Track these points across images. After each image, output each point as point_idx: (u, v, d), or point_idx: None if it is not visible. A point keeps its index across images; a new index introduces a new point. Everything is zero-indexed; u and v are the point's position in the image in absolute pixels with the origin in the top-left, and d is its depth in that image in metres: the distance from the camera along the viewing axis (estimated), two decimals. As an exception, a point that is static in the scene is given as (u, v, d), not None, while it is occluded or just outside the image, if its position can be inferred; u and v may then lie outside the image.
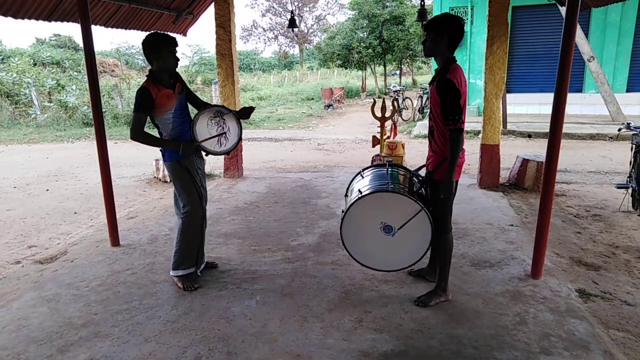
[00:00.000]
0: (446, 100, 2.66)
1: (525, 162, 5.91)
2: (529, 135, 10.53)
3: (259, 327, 2.83)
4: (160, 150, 3.24)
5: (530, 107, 13.33)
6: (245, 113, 3.38)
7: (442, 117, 2.70)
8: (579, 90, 13.03)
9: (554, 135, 3.18)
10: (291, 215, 5.03)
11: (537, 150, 8.07)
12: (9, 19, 4.31)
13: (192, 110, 3.31)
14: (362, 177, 3.16)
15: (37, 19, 4.59)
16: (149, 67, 3.14)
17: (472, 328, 2.75)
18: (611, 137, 9.80)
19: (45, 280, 3.57)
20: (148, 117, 3.10)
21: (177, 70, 3.25)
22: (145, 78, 3.09)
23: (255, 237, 4.38)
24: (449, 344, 2.61)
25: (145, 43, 3.07)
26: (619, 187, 5.13)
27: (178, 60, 3.17)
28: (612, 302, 3.11)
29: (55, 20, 4.81)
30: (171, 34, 3.17)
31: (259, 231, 4.55)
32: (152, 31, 3.16)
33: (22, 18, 4.43)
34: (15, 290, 3.42)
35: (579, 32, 10.82)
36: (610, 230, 4.50)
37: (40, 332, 2.81)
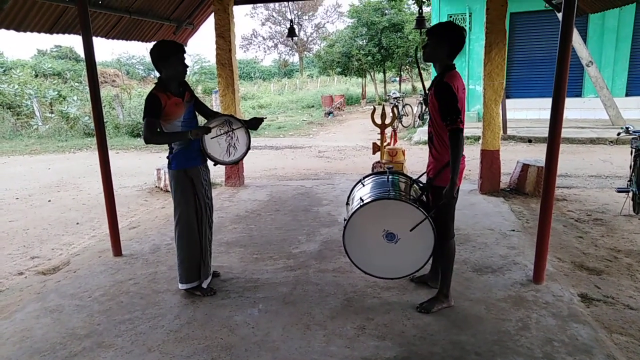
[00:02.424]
0: (444, 102, 2.69)
1: (525, 167, 5.92)
2: (529, 140, 10.55)
3: (261, 335, 2.83)
4: (168, 157, 3.24)
5: (530, 112, 13.35)
6: (255, 124, 3.39)
7: (441, 118, 2.73)
8: (578, 94, 13.06)
9: (553, 140, 3.20)
10: (292, 223, 5.04)
11: (538, 155, 8.08)
12: (12, 31, 4.36)
13: (201, 121, 3.32)
14: (363, 185, 3.17)
15: (39, 31, 4.65)
16: (156, 76, 3.12)
17: (475, 334, 2.75)
18: (611, 141, 9.81)
19: (48, 291, 3.58)
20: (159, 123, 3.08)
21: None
22: (154, 85, 3.08)
23: (257, 245, 4.38)
24: (452, 350, 2.61)
25: (153, 51, 3.05)
26: (619, 191, 5.14)
27: (187, 67, 3.16)
28: (615, 307, 3.10)
29: (57, 33, 4.86)
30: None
31: (261, 239, 4.55)
32: (160, 39, 3.15)
33: (25, 31, 4.48)
34: (18, 302, 3.43)
35: (577, 37, 10.88)
36: (611, 234, 4.50)
37: (43, 343, 2.81)
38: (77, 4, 3.92)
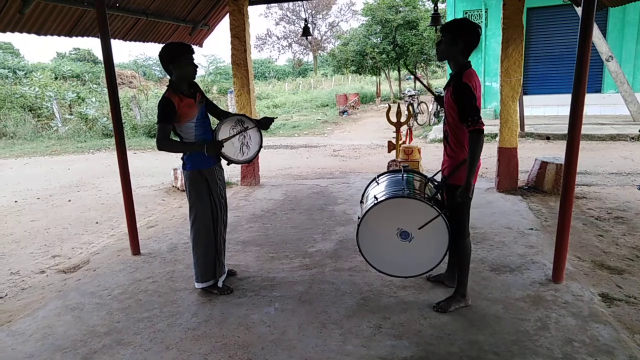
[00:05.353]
0: (463, 103, 2.66)
1: (544, 164, 5.83)
2: (547, 137, 10.38)
3: (278, 334, 2.84)
4: (182, 158, 3.27)
5: (548, 109, 13.14)
6: (265, 123, 3.40)
7: (460, 120, 2.70)
8: (598, 90, 12.80)
9: (573, 136, 3.14)
10: (308, 221, 5.05)
11: (556, 152, 7.94)
12: (33, 35, 4.45)
13: (213, 121, 3.35)
14: (378, 184, 3.15)
15: (59, 35, 4.74)
16: (169, 78, 3.16)
17: (493, 334, 2.72)
18: (632, 138, 9.59)
19: (69, 289, 3.65)
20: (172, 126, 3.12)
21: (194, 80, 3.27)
22: (166, 88, 3.11)
23: (272, 244, 4.41)
24: (470, 350, 2.58)
25: (162, 54, 3.08)
26: (641, 189, 5.03)
27: (196, 67, 3.18)
28: (637, 307, 3.03)
29: (76, 36, 4.96)
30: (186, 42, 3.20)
31: (277, 238, 4.57)
32: (170, 42, 3.18)
33: (45, 34, 4.58)
34: (40, 299, 3.51)
35: (596, 32, 10.65)
36: (633, 232, 4.40)
37: (65, 341, 2.87)
38: (96, 7, 3.98)
